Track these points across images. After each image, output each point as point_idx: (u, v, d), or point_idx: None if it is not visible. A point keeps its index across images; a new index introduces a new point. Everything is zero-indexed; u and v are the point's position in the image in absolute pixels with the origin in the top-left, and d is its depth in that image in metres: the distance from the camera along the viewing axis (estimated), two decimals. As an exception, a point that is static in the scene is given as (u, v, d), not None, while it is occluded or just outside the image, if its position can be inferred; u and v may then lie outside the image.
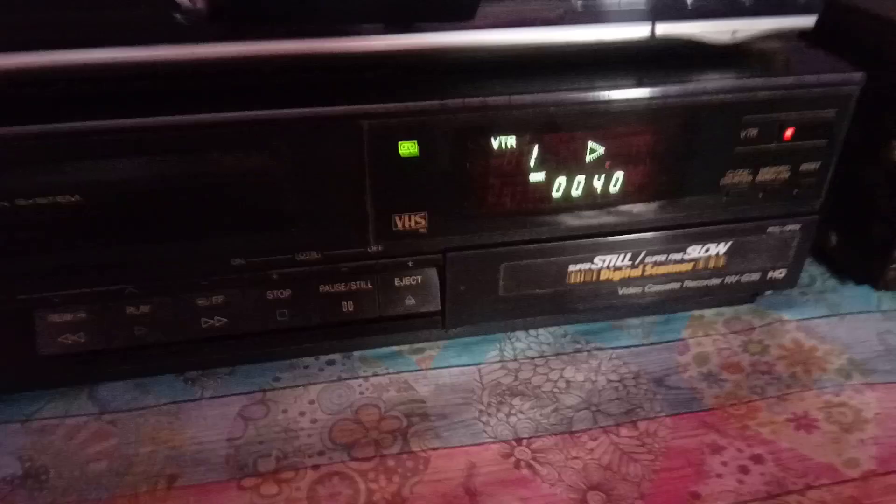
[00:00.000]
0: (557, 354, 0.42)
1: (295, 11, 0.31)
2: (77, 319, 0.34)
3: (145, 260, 0.34)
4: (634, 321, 0.44)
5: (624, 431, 0.37)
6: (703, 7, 0.35)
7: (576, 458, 0.36)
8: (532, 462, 0.35)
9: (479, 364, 0.41)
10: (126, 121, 0.30)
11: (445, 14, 0.32)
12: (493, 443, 0.36)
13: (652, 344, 0.43)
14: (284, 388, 0.39)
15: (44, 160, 0.30)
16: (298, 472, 0.34)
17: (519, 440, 0.36)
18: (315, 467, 0.35)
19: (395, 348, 0.42)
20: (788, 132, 0.37)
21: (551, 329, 0.43)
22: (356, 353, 0.41)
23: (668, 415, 0.38)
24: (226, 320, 0.36)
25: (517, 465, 0.35)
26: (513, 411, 0.38)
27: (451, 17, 0.32)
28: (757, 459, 0.36)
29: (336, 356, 0.41)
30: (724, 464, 0.36)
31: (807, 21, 0.37)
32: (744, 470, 0.35)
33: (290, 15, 0.31)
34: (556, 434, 0.37)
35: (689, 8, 0.34)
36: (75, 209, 0.31)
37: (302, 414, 0.37)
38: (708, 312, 0.45)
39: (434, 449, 0.36)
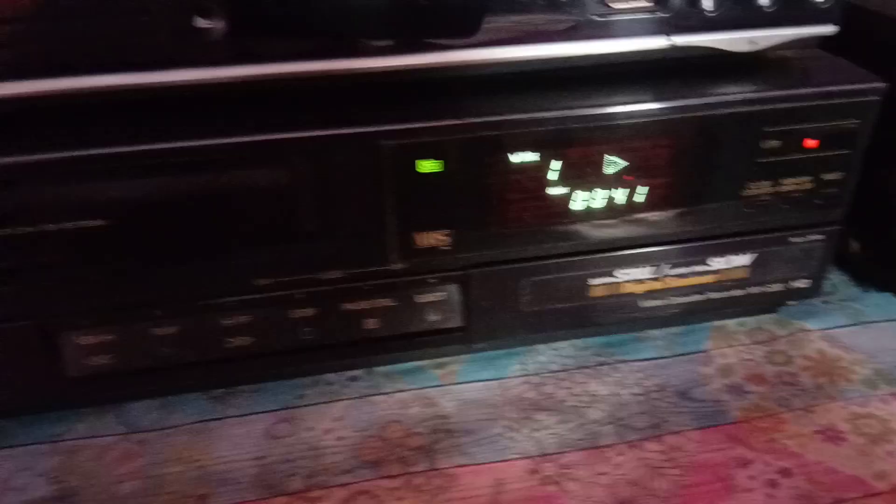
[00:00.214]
0: (580, 368, 0.42)
1: (304, 30, 0.31)
2: (104, 341, 0.35)
3: (171, 281, 0.34)
4: (656, 332, 0.44)
5: (650, 446, 0.37)
6: (722, 17, 0.35)
7: (603, 473, 0.35)
8: (559, 478, 0.35)
9: (502, 378, 0.41)
10: (151, 145, 0.30)
11: (448, 30, 0.32)
12: (520, 459, 0.36)
13: (675, 356, 0.43)
14: (309, 405, 0.39)
15: (70, 185, 0.31)
16: (326, 491, 0.34)
17: (545, 456, 0.36)
18: (343, 486, 0.35)
19: (418, 363, 0.42)
20: (810, 142, 0.37)
21: (573, 342, 0.43)
22: (379, 369, 0.41)
23: (694, 428, 0.38)
24: (251, 339, 0.36)
25: (544, 482, 0.35)
26: (538, 426, 0.38)
27: (454, 34, 0.32)
28: (785, 473, 0.36)
29: (359, 372, 0.41)
30: (753, 478, 0.35)
31: (827, 29, 0.37)
32: (772, 484, 0.35)
33: (300, 34, 0.31)
34: (582, 449, 0.37)
35: (708, 18, 0.34)
36: (101, 232, 0.32)
37: (327, 431, 0.38)
38: (730, 322, 0.45)
39: (461, 466, 0.36)
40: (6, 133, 0.31)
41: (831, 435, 0.38)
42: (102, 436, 0.37)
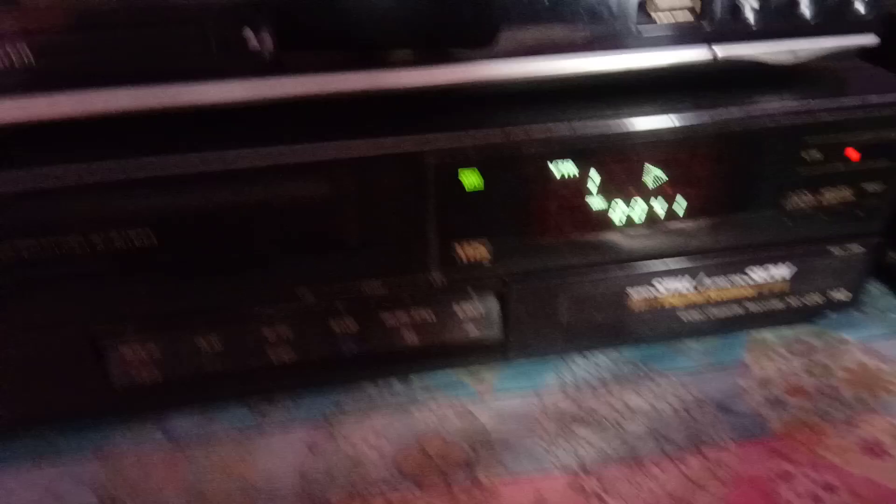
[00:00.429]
0: (617, 379, 0.41)
1: (349, 45, 0.31)
2: (149, 351, 0.35)
3: (215, 292, 0.34)
4: (693, 343, 0.44)
5: (691, 460, 0.37)
6: (765, 29, 0.34)
7: (644, 488, 0.35)
8: (601, 493, 0.35)
9: (539, 390, 0.41)
10: (196, 159, 0.31)
11: (491, 44, 0.32)
12: (560, 473, 0.36)
13: (713, 367, 0.42)
14: (348, 416, 0.39)
15: (118, 197, 0.31)
16: (368, 504, 0.35)
17: (585, 470, 0.36)
18: (386, 500, 0.35)
19: (454, 373, 0.42)
20: (852, 154, 0.37)
21: (609, 352, 0.43)
22: (416, 379, 0.42)
23: (734, 442, 0.38)
24: (291, 349, 0.36)
25: (586, 497, 0.35)
26: (577, 440, 0.38)
27: (498, 47, 0.33)
28: (829, 488, 0.35)
29: (396, 382, 0.41)
30: (796, 493, 0.35)
31: (868, 40, 0.36)
32: (817, 499, 0.35)
33: (345, 48, 0.31)
34: (622, 463, 0.37)
35: (751, 30, 0.34)
36: (148, 245, 0.32)
37: (367, 443, 0.38)
38: (768, 333, 0.45)
39: (501, 480, 0.36)
40: (55, 145, 0.31)
41: (874, 448, 0.37)
42: (144, 444, 0.38)
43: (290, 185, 0.32)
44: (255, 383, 0.38)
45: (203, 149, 0.31)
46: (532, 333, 0.39)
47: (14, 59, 0.29)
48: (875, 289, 0.48)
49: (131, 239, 0.32)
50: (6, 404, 0.35)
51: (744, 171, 0.36)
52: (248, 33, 0.30)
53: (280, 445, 0.37)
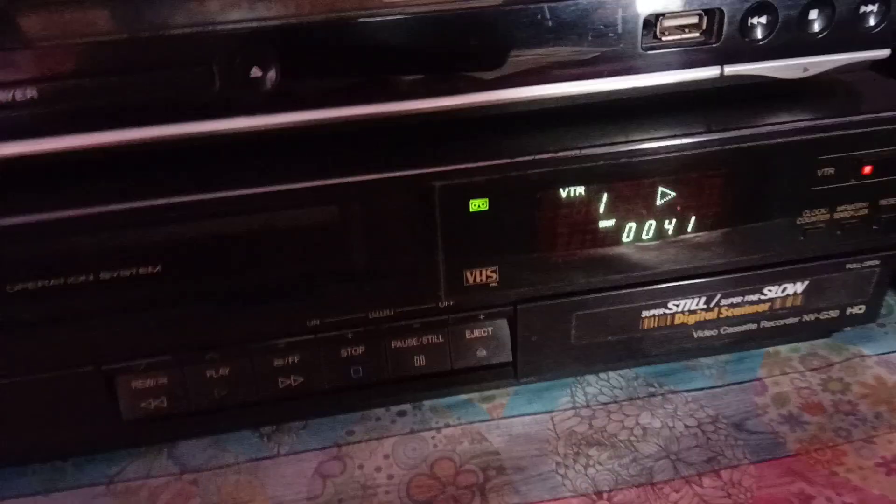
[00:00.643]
0: (631, 399, 0.41)
1: (356, 79, 0.31)
2: (159, 384, 0.35)
3: (224, 324, 0.34)
4: (707, 361, 0.43)
5: (707, 481, 0.36)
6: (774, 45, 0.34)
7: (659, 511, 0.35)
8: (615, 517, 0.35)
9: (552, 412, 0.40)
10: (204, 194, 0.31)
11: (494, 69, 0.32)
12: (574, 497, 0.36)
13: (727, 385, 0.42)
14: (359, 441, 0.39)
15: (125, 234, 0.31)
16: (380, 532, 0.34)
17: (599, 494, 0.36)
18: (396, 527, 0.35)
19: (465, 396, 0.42)
20: (866, 169, 0.36)
21: (622, 372, 0.43)
22: (426, 403, 0.41)
23: (751, 462, 0.37)
24: (302, 379, 0.36)
25: (600, 521, 0.35)
26: (590, 462, 0.37)
27: (501, 72, 0.32)
28: (849, 509, 0.35)
29: (406, 407, 0.41)
30: (815, 514, 0.35)
31: (880, 53, 0.36)
32: (836, 521, 0.34)
33: (349, 79, 0.31)
34: (636, 486, 0.36)
35: (759, 47, 0.34)
36: (157, 279, 0.32)
37: (378, 469, 0.37)
38: (783, 349, 0.44)
39: (514, 505, 0.35)
40: (62, 185, 0.31)
41: (894, 467, 0.37)
42: (157, 476, 0.37)
43: (298, 215, 0.32)
44: (266, 413, 0.38)
45: (213, 182, 0.31)
46: (543, 355, 0.38)
47: (20, 99, 0.29)
48: (891, 300, 0.47)
49: (141, 274, 0.32)
50: (17, 437, 0.35)
51: (755, 188, 0.36)
52: (256, 69, 0.30)
53: (291, 473, 0.37)
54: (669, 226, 0.36)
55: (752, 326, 0.40)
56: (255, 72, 0.30)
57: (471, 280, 0.35)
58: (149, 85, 0.30)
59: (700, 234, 0.36)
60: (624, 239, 0.36)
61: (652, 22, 0.32)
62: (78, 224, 0.30)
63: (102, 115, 0.30)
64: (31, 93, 0.29)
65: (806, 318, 0.40)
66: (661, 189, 0.35)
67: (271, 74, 0.30)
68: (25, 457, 0.38)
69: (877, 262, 0.39)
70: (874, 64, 0.37)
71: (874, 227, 0.38)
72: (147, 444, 0.39)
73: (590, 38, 0.32)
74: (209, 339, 0.34)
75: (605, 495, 0.36)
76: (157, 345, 0.34)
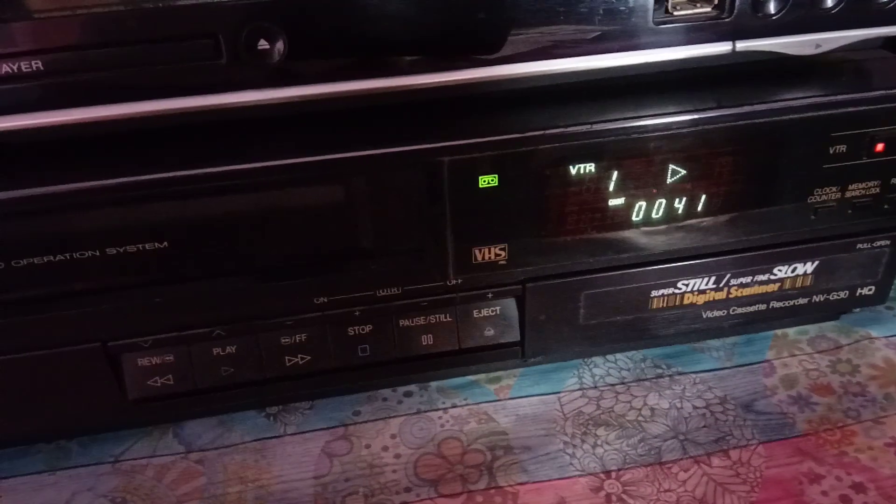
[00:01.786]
0: (638, 380, 0.41)
1: (364, 52, 0.31)
2: (165, 362, 0.35)
3: (231, 302, 0.34)
4: (715, 342, 0.43)
5: (716, 461, 0.36)
6: (786, 21, 0.33)
7: (668, 490, 0.35)
8: (623, 496, 0.34)
9: (559, 392, 0.40)
10: (211, 168, 0.30)
11: (504, 43, 0.32)
12: (581, 476, 0.35)
13: (735, 366, 0.41)
14: (365, 421, 0.39)
15: (131, 209, 0.31)
16: (387, 511, 0.34)
17: (608, 473, 0.36)
18: (404, 505, 0.34)
19: (472, 377, 0.41)
20: (879, 146, 0.36)
21: (629, 354, 0.42)
22: (433, 384, 0.41)
23: (760, 442, 0.37)
24: (309, 357, 0.36)
25: (608, 500, 0.34)
26: (598, 442, 0.37)
27: (511, 47, 0.32)
28: (858, 488, 0.34)
29: (413, 387, 0.41)
30: (825, 494, 0.34)
31: (893, 30, 0.35)
32: (846, 500, 0.34)
33: (355, 52, 0.31)
34: (645, 465, 0.36)
35: (772, 22, 0.33)
36: (163, 255, 0.32)
37: (385, 449, 0.37)
38: (791, 331, 0.44)
39: (521, 484, 0.35)
40: (68, 159, 0.31)
41: (904, 448, 0.36)
42: (162, 455, 0.37)
43: (306, 191, 0.32)
44: (272, 392, 0.37)
45: (220, 156, 0.31)
46: (551, 335, 0.38)
47: (25, 71, 0.28)
48: (900, 282, 0.47)
49: (146, 251, 0.32)
50: (22, 416, 0.35)
51: (767, 166, 0.35)
52: (263, 42, 0.29)
53: (298, 452, 0.37)
54: (679, 204, 0.35)
55: (762, 307, 0.40)
56: (263, 44, 0.29)
57: (479, 258, 0.35)
58: (154, 57, 0.29)
59: (710, 212, 0.36)
60: (633, 217, 0.35)
61: (663, -4, 0.32)
62: (83, 198, 0.30)
63: (107, 89, 0.29)
64: (35, 65, 0.29)
65: (815, 298, 0.40)
66: (671, 167, 0.34)
67: (279, 47, 0.29)
68: (31, 436, 0.38)
69: (887, 243, 0.39)
70: (886, 42, 0.36)
71: (885, 207, 0.37)
72: (153, 424, 0.39)
73: (600, 13, 0.31)
74: (216, 316, 0.34)
75: (613, 474, 0.35)
76: (163, 322, 0.34)
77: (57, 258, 0.31)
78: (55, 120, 0.30)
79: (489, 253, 0.35)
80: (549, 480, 0.35)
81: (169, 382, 0.35)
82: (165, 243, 0.32)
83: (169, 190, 0.30)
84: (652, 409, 0.39)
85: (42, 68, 0.29)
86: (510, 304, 0.37)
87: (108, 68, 0.29)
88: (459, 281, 0.35)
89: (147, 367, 0.35)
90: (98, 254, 0.31)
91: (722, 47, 0.34)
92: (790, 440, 0.37)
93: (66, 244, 0.31)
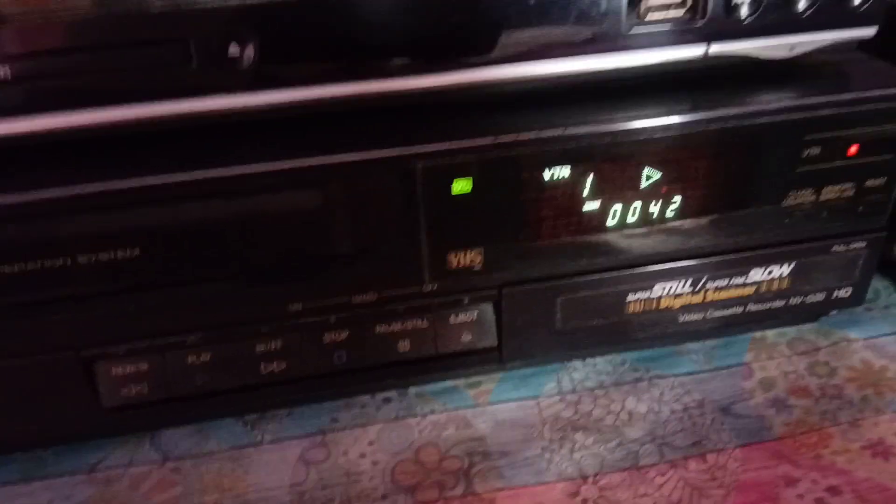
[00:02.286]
0: (617, 384, 0.41)
1: (332, 54, 0.31)
2: (139, 371, 0.34)
3: (204, 309, 0.34)
4: (694, 345, 0.43)
5: (693, 465, 0.36)
6: (759, 24, 0.33)
7: (644, 495, 0.35)
8: (600, 501, 0.34)
9: (538, 397, 0.40)
10: (183, 175, 0.30)
11: (477, 48, 0.32)
12: (559, 481, 0.35)
13: (714, 369, 0.41)
14: (343, 428, 0.39)
15: (103, 216, 0.31)
16: (363, 518, 0.34)
17: (585, 478, 0.35)
18: (380, 513, 0.34)
19: (451, 383, 0.41)
20: (852, 149, 0.36)
21: (609, 357, 0.42)
22: (412, 390, 0.41)
23: (737, 446, 0.37)
24: (285, 365, 0.36)
25: (585, 505, 0.34)
26: (576, 447, 0.37)
27: (483, 51, 0.32)
28: (834, 491, 0.35)
29: (392, 393, 0.41)
30: (801, 497, 0.34)
31: (867, 32, 0.35)
32: (821, 503, 0.34)
33: (328, 57, 0.31)
34: (622, 470, 0.36)
35: (744, 25, 0.33)
36: (136, 262, 0.32)
37: (362, 456, 0.37)
38: (770, 333, 0.44)
39: (498, 490, 0.35)
40: (40, 166, 0.31)
41: (880, 450, 0.36)
42: (138, 464, 0.37)
43: (279, 197, 0.32)
44: (249, 400, 0.37)
45: (191, 163, 0.31)
46: (528, 340, 0.38)
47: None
48: (878, 283, 0.47)
49: (119, 258, 0.31)
50: (-4, 426, 0.35)
51: (741, 169, 0.35)
52: (234, 47, 0.29)
53: (275, 460, 0.37)
54: (655, 208, 0.35)
55: (739, 310, 0.40)
56: (233, 49, 0.29)
57: (455, 263, 0.35)
58: (124, 63, 0.29)
59: (685, 215, 0.36)
60: (609, 221, 0.35)
61: (636, 0, 0.32)
62: (52, 206, 0.30)
63: (77, 95, 0.29)
64: (3, 71, 0.28)
65: (792, 301, 0.40)
66: (646, 170, 0.35)
67: (249, 52, 0.29)
68: (5, 445, 0.37)
69: (863, 244, 0.39)
70: (861, 44, 0.36)
71: (860, 209, 0.38)
72: (128, 433, 0.38)
73: (573, 16, 0.32)
74: (190, 324, 0.34)
75: (590, 479, 0.35)
76: (137, 330, 0.34)
77: (28, 267, 0.31)
78: (24, 127, 0.29)
79: (465, 258, 0.35)
80: (526, 486, 0.35)
81: (143, 391, 0.35)
82: (137, 250, 0.31)
83: (140, 197, 0.30)
84: (630, 413, 0.39)
85: (10, 75, 0.29)
86: (487, 310, 0.37)
87: (77, 74, 0.29)
88: (435, 286, 0.35)
89: (121, 376, 0.34)
90: (70, 262, 0.31)
91: (695, 51, 0.34)
92: (767, 443, 0.37)
93: (37, 252, 0.31)
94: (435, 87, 0.32)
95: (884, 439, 0.37)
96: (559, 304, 0.37)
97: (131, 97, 0.30)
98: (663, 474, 0.36)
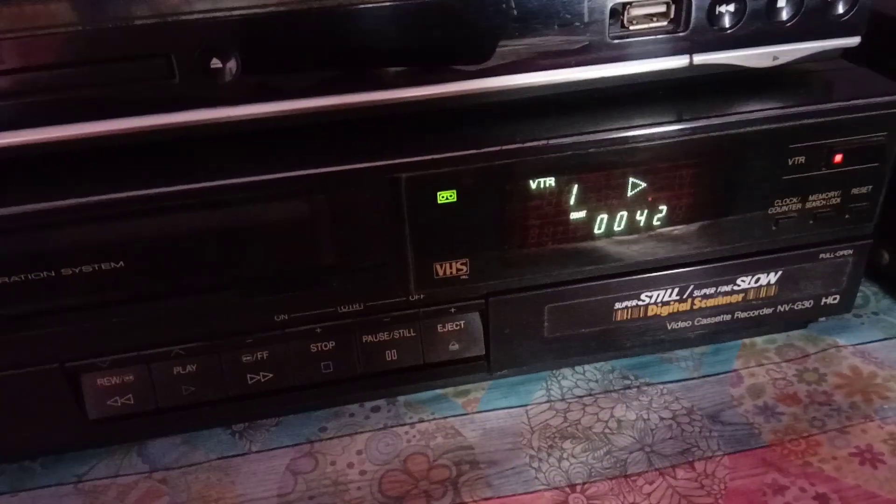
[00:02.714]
0: (606, 392, 0.41)
1: (316, 66, 0.31)
2: (125, 382, 0.34)
3: (190, 320, 0.34)
4: (683, 353, 0.43)
5: (681, 473, 0.36)
6: (742, 34, 0.34)
7: (633, 503, 0.35)
8: (588, 510, 0.34)
9: (526, 405, 0.40)
10: (166, 187, 0.30)
11: (461, 59, 0.32)
12: (547, 490, 0.35)
13: (703, 377, 0.41)
14: (331, 438, 0.39)
15: (88, 229, 0.31)
16: (350, 529, 0.34)
17: (573, 486, 0.35)
18: (367, 523, 0.34)
19: (440, 392, 0.41)
20: (838, 157, 0.36)
21: (598, 365, 0.42)
22: (401, 398, 0.41)
23: (725, 453, 0.37)
24: (272, 375, 0.36)
25: (573, 514, 0.34)
26: (564, 455, 0.37)
27: (467, 62, 0.32)
28: (822, 499, 0.35)
29: (380, 402, 0.41)
30: (788, 505, 0.34)
31: (850, 41, 0.35)
32: (809, 511, 0.34)
33: (311, 69, 0.31)
34: (610, 478, 0.36)
35: (728, 35, 0.33)
36: (120, 274, 0.32)
37: (350, 465, 0.37)
38: (759, 340, 0.44)
39: (486, 499, 0.35)
40: (24, 180, 0.31)
41: (868, 457, 0.36)
42: (125, 475, 0.37)
43: (264, 209, 0.32)
44: (236, 410, 0.37)
45: (176, 177, 0.31)
46: (516, 348, 0.38)
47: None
48: (867, 289, 0.47)
49: (103, 270, 0.31)
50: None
51: (727, 177, 0.35)
52: (216, 61, 0.29)
53: (262, 470, 0.37)
54: (640, 217, 0.36)
55: (727, 318, 0.40)
56: (216, 63, 0.29)
57: (441, 273, 0.35)
58: (107, 77, 0.29)
59: (671, 224, 0.36)
60: (595, 230, 0.35)
61: (619, 10, 0.32)
62: (35, 219, 0.30)
63: (59, 109, 0.29)
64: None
65: (780, 308, 0.40)
66: (631, 179, 0.35)
67: (231, 65, 0.29)
68: (-8, 457, 0.37)
69: (850, 252, 0.39)
70: (846, 52, 0.36)
71: (846, 217, 0.38)
72: (114, 444, 0.38)
73: (556, 28, 0.32)
74: (175, 335, 0.34)
75: (578, 488, 0.35)
76: (122, 342, 0.34)
77: (11, 279, 0.31)
78: (7, 141, 0.29)
79: (451, 268, 0.35)
80: (514, 495, 0.35)
81: (129, 402, 0.35)
82: (121, 262, 0.31)
83: (123, 209, 0.30)
84: (619, 421, 0.39)
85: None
86: (474, 319, 0.37)
87: (60, 89, 0.29)
88: (422, 296, 0.35)
89: (107, 388, 0.34)
90: (53, 274, 0.31)
91: (679, 61, 0.34)
92: (755, 451, 0.37)
93: (21, 265, 0.31)
94: (420, 97, 0.32)
95: (872, 446, 0.37)
96: (546, 312, 0.37)
97: (114, 111, 0.30)
98: (651, 482, 0.36)
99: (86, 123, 0.30)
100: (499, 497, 0.35)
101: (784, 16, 0.33)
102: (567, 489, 0.35)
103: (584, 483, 0.36)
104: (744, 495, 0.35)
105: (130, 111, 0.30)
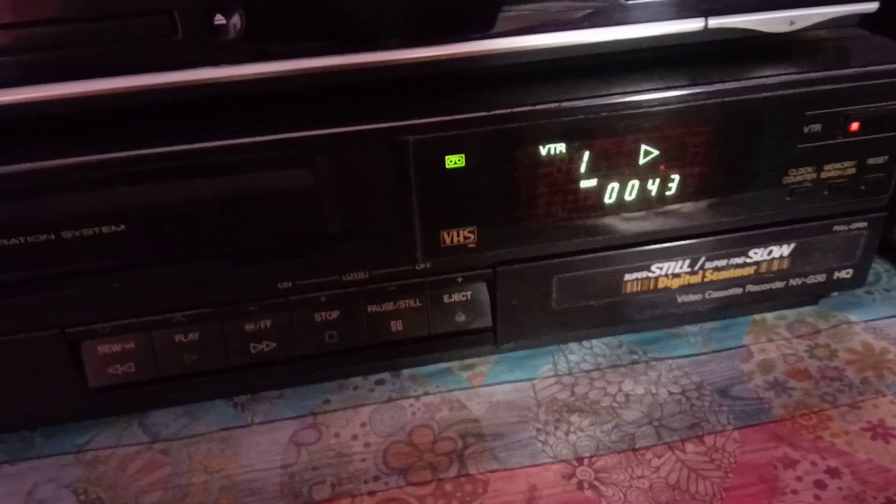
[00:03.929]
0: (614, 366, 0.40)
1: (323, 25, 0.30)
2: (126, 349, 0.34)
3: (192, 287, 0.33)
4: (693, 328, 0.42)
5: (690, 447, 0.35)
6: (759, -3, 0.33)
7: (641, 476, 0.34)
8: (595, 483, 0.34)
9: (533, 379, 0.40)
10: (170, 147, 0.29)
11: (471, 19, 0.31)
12: (554, 463, 0.35)
13: (713, 352, 0.41)
14: (335, 410, 0.38)
15: (89, 191, 0.30)
16: (355, 499, 0.33)
17: (580, 460, 0.35)
18: (371, 493, 0.34)
19: (445, 365, 0.41)
20: (854, 126, 0.35)
21: (606, 339, 0.42)
22: (405, 372, 0.40)
23: (735, 428, 0.36)
24: (275, 344, 0.35)
25: (580, 487, 0.34)
26: (571, 429, 0.36)
27: (477, 23, 0.31)
28: (833, 473, 0.34)
29: (385, 375, 0.40)
30: (799, 479, 0.34)
31: (868, 6, 0.35)
32: (820, 485, 0.33)
33: (319, 28, 0.30)
34: (618, 452, 0.35)
35: (744, -1, 0.33)
36: (121, 239, 0.31)
37: (354, 437, 0.36)
38: (769, 316, 0.43)
39: (492, 471, 0.34)
40: (24, 139, 0.30)
41: (880, 431, 0.36)
42: (126, 445, 0.36)
43: (269, 172, 0.31)
44: (239, 380, 0.36)
45: (179, 137, 0.30)
46: (523, 320, 0.37)
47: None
48: (880, 266, 0.46)
49: (104, 234, 0.31)
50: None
51: (741, 145, 0.35)
52: (219, 17, 0.28)
53: (265, 442, 0.36)
54: (652, 185, 0.35)
55: (738, 291, 0.39)
56: (219, 19, 0.28)
57: (448, 241, 0.34)
58: (109, 35, 0.28)
59: (683, 193, 0.35)
60: (605, 199, 0.35)
61: (634, -29, 0.31)
62: (36, 179, 0.29)
63: (60, 67, 0.28)
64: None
65: (792, 282, 0.39)
66: (643, 147, 0.34)
67: (235, 21, 0.28)
68: (-8, 426, 0.37)
69: (864, 224, 0.38)
70: (863, 20, 0.36)
71: (862, 188, 0.37)
72: (115, 413, 0.38)
73: (569, -12, 0.31)
74: (177, 301, 0.33)
75: (585, 461, 0.35)
76: (123, 307, 0.33)
77: (11, 242, 0.30)
78: (6, 99, 0.29)
79: (458, 236, 0.34)
80: (521, 468, 0.35)
81: (130, 370, 0.34)
82: (123, 226, 0.31)
83: (125, 170, 0.30)
84: (627, 396, 0.38)
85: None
86: (481, 289, 0.36)
87: (61, 46, 0.28)
88: (428, 265, 0.35)
89: (107, 355, 0.34)
90: (54, 237, 0.30)
91: (694, 24, 0.33)
92: (766, 425, 0.36)
93: (21, 228, 0.30)
94: (429, 58, 0.31)
95: (884, 421, 0.36)
96: (555, 283, 0.37)
97: (115, 69, 0.29)
98: (660, 456, 0.35)
99: (87, 81, 0.29)
100: (505, 469, 0.35)
101: (802, -22, 0.33)
102: (574, 462, 0.35)
103: (591, 456, 0.35)
104: (754, 469, 0.34)
105: (132, 69, 0.29)
